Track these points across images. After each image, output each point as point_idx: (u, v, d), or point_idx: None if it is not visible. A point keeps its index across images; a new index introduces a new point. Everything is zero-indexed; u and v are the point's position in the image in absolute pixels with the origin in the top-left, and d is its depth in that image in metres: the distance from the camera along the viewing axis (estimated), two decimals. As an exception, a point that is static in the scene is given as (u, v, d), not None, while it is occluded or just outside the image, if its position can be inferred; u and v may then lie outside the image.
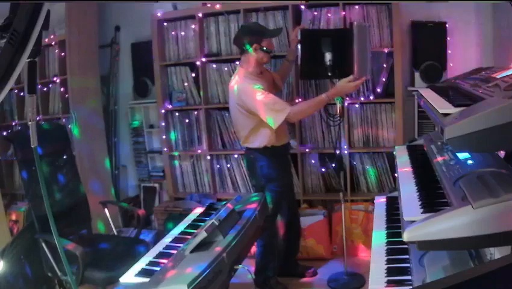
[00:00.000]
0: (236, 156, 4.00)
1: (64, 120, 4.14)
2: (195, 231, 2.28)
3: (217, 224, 1.98)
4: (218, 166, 4.09)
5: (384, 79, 3.66)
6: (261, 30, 3.03)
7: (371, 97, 3.64)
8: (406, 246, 1.74)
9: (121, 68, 4.51)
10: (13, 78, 0.94)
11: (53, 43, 4.18)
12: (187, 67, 4.04)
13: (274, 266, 3.10)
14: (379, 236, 1.95)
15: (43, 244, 2.61)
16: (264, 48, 2.93)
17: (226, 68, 3.91)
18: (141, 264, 2.07)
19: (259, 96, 2.82)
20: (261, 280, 3.06)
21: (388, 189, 3.59)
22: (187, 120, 4.11)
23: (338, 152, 3.22)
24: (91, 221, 3.13)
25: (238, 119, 3.03)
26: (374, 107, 3.66)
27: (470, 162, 1.54)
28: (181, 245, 2.15)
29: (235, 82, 2.94)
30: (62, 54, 4.09)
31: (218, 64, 3.94)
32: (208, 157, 4.05)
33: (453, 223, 1.17)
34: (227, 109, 3.95)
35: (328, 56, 2.97)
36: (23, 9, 0.91)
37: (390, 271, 1.65)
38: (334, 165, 3.67)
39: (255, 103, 2.84)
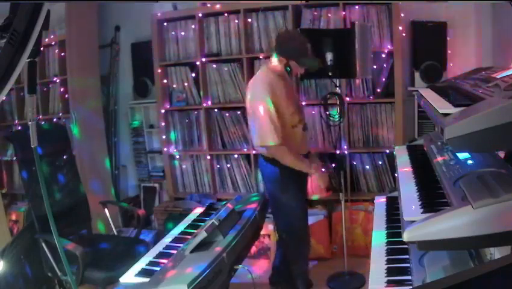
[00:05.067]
0: (236, 156, 4.00)
1: (64, 120, 4.14)
2: (195, 231, 2.28)
3: (217, 224, 1.99)
4: (218, 166, 4.09)
5: (384, 79, 3.66)
6: (298, 54, 2.67)
7: (371, 97, 3.65)
8: (406, 246, 1.74)
9: (121, 68, 4.51)
10: (13, 78, 0.94)
11: (53, 43, 4.19)
12: (187, 67, 4.04)
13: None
14: (379, 236, 1.95)
15: (43, 244, 2.61)
16: (288, 68, 2.68)
17: (226, 68, 3.91)
18: (141, 264, 2.07)
19: (265, 111, 2.55)
20: None
21: (388, 189, 3.58)
22: (187, 120, 4.11)
23: (338, 152, 3.22)
24: (91, 221, 3.12)
25: (250, 119, 2.80)
26: (374, 107, 3.66)
27: (470, 162, 1.54)
28: (181, 245, 2.15)
29: (255, 81, 2.71)
30: (62, 54, 4.09)
31: (218, 64, 3.94)
32: (208, 157, 4.05)
33: (453, 223, 1.17)
34: (227, 109, 3.97)
35: (329, 56, 2.96)
36: (23, 9, 0.91)
37: (390, 271, 1.65)
38: (334, 165, 3.67)
39: (258, 116, 2.59)
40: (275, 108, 2.53)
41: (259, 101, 2.56)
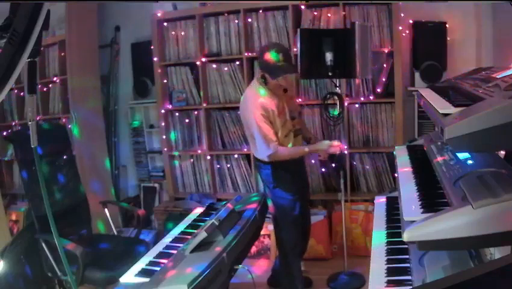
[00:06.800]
0: (236, 156, 4.00)
1: (64, 120, 4.14)
2: (195, 231, 2.28)
3: (217, 224, 1.99)
4: (218, 166, 4.09)
5: (384, 79, 3.66)
6: (273, 68, 2.71)
7: (371, 97, 3.64)
8: (406, 246, 1.74)
9: (121, 68, 4.51)
10: (13, 78, 0.94)
11: (53, 43, 4.18)
12: (187, 67, 4.04)
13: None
14: (379, 236, 1.95)
15: (43, 244, 2.61)
16: (263, 79, 2.78)
17: (226, 68, 3.91)
18: (141, 264, 2.07)
19: (259, 122, 2.70)
20: None
21: (388, 189, 3.59)
22: (187, 120, 4.11)
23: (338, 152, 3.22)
24: (91, 221, 3.12)
25: (245, 126, 2.93)
26: (374, 107, 3.66)
27: (470, 162, 1.54)
28: (181, 245, 2.15)
29: (250, 93, 2.83)
30: (62, 54, 4.09)
31: (218, 64, 3.94)
32: (208, 157, 4.05)
33: (453, 223, 1.17)
34: (227, 109, 3.97)
35: (329, 56, 2.96)
36: (23, 9, 0.91)
37: (390, 271, 1.65)
38: (334, 165, 3.67)
39: (254, 128, 2.75)
40: (267, 123, 2.70)
41: (253, 120, 2.72)
